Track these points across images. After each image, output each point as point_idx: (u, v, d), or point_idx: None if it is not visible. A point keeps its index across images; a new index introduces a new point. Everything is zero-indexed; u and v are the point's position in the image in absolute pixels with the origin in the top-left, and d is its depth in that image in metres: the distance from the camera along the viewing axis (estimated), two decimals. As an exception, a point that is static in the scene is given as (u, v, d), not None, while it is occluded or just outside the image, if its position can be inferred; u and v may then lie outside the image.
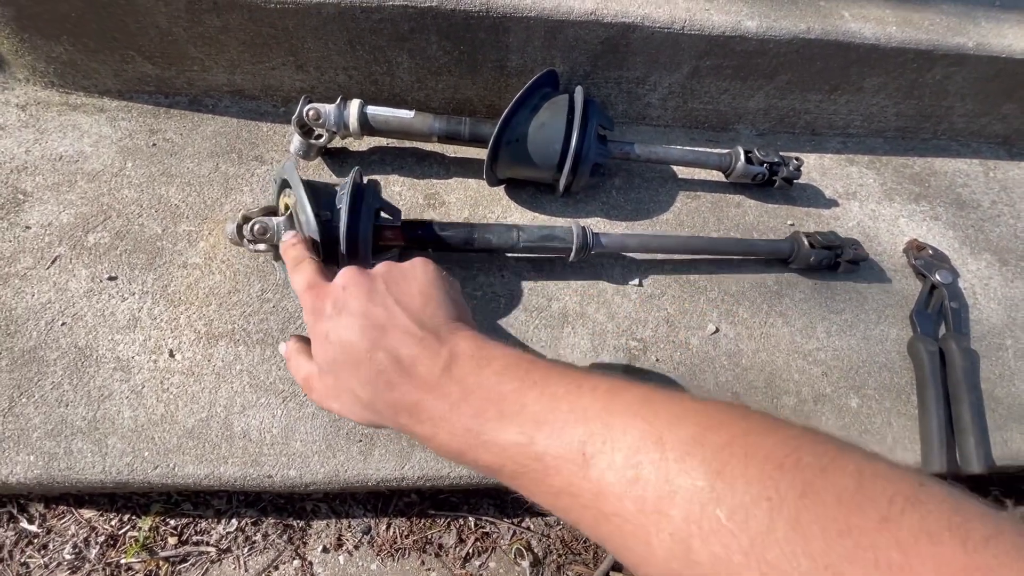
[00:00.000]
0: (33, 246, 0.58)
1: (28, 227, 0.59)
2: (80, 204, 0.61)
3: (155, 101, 0.68)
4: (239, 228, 0.50)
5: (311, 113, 0.61)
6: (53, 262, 0.57)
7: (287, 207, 0.51)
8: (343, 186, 0.51)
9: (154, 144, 0.66)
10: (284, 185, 0.52)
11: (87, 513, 0.61)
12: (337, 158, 0.68)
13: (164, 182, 0.63)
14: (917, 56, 0.67)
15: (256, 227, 0.50)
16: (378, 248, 0.54)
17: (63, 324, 0.54)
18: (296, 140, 0.63)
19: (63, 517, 0.61)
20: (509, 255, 0.63)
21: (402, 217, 0.56)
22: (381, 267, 0.38)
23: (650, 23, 0.62)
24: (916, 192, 0.78)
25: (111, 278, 0.57)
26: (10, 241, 0.58)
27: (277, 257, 0.52)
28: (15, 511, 0.60)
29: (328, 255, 0.49)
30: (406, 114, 0.62)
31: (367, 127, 0.62)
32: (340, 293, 0.35)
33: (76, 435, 0.50)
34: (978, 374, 0.64)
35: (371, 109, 0.62)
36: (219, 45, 0.62)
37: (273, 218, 0.50)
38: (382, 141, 0.69)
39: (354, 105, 0.61)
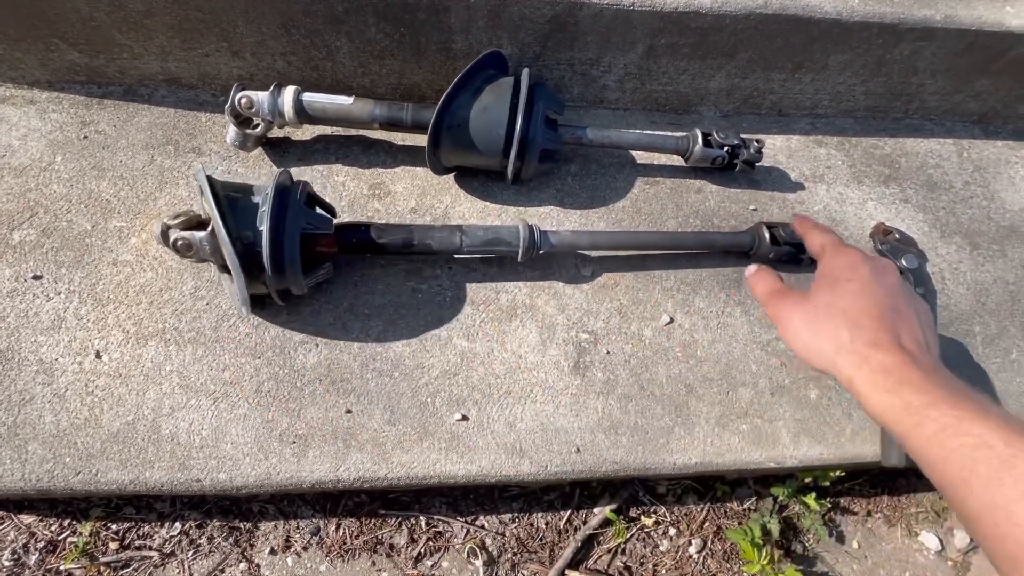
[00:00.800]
0: (-46, 245, 0.55)
1: (-50, 225, 0.56)
2: (5, 200, 0.58)
3: (87, 92, 0.65)
4: (163, 235, 0.48)
5: (244, 101, 0.58)
6: (-25, 262, 0.55)
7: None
8: (264, 198, 0.48)
9: (85, 136, 0.63)
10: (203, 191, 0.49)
11: (26, 518, 0.60)
12: (278, 148, 0.65)
13: (95, 176, 0.61)
14: (882, 30, 0.64)
15: (180, 243, 0.47)
16: (311, 257, 0.51)
17: (-16, 326, 0.52)
18: (232, 131, 0.61)
19: (2, 523, 0.60)
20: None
21: (339, 216, 0.53)
22: (893, 266, 0.45)
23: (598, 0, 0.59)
24: (886, 174, 0.75)
25: (36, 277, 0.55)
26: (-70, 240, 0.55)
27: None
28: (-49, 518, 0.59)
29: (252, 274, 0.47)
30: (344, 100, 0.60)
31: (304, 115, 0.59)
32: (875, 266, 0.43)
33: (-6, 441, 0.48)
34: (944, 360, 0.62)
35: (307, 96, 0.59)
36: (146, 30, 0.59)
37: (196, 234, 0.47)
38: (326, 130, 0.66)
39: (288, 92, 0.58)
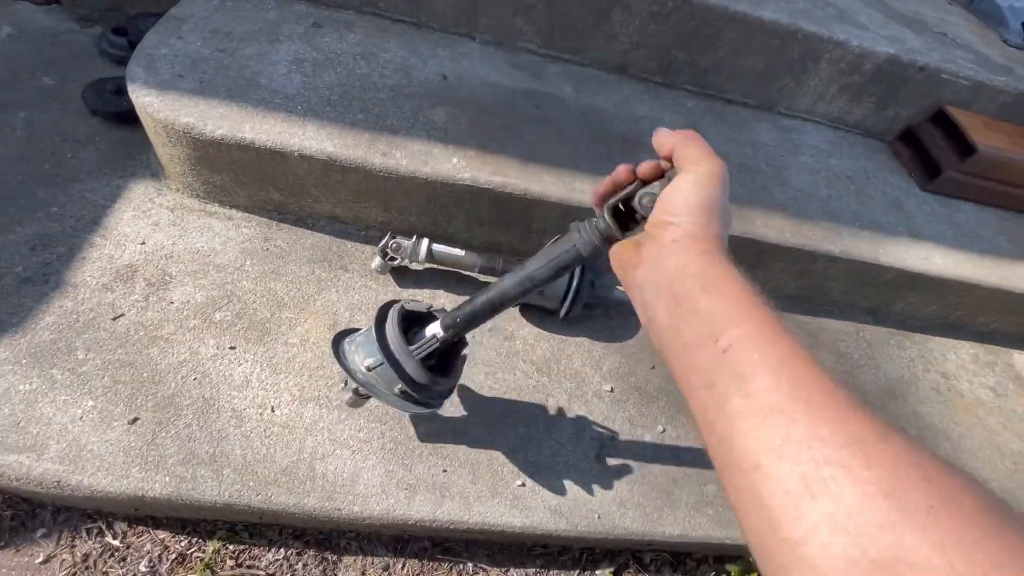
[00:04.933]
0: (175, 317, 0.78)
1: (172, 302, 0.79)
2: (210, 288, 0.82)
3: (269, 216, 0.92)
4: (357, 394, 0.68)
5: (394, 245, 0.86)
6: (190, 331, 0.77)
7: None
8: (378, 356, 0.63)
9: (267, 249, 0.89)
10: None
11: (161, 534, 0.76)
12: (400, 273, 0.92)
13: (273, 278, 0.86)
14: (804, 254, 1.00)
15: (361, 391, 0.67)
16: (444, 364, 0.69)
17: (195, 379, 0.73)
18: (377, 261, 0.88)
19: (141, 535, 0.75)
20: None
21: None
22: None
23: (630, 214, 0.92)
24: (810, 343, 1.08)
25: (231, 348, 0.77)
26: (159, 311, 0.78)
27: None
28: (104, 526, 0.74)
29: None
30: (459, 252, 0.89)
31: (431, 259, 0.88)
32: None
33: (201, 464, 0.67)
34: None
35: (436, 247, 0.88)
36: (333, 190, 0.88)
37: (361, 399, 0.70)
38: (432, 264, 0.94)
39: (425, 243, 0.87)
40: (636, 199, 0.42)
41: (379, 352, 0.59)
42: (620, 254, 0.41)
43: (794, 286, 1.09)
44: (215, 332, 0.78)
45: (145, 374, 0.72)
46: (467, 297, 0.86)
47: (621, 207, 0.44)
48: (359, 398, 0.69)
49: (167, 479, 0.66)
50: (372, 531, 0.80)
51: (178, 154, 0.83)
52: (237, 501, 0.66)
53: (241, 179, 0.86)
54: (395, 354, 0.60)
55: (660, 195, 0.38)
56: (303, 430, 0.73)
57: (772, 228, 0.99)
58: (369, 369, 0.61)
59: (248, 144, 0.80)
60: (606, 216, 0.44)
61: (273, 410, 0.74)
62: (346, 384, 0.70)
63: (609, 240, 0.44)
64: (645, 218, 0.40)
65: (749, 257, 1.01)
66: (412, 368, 0.60)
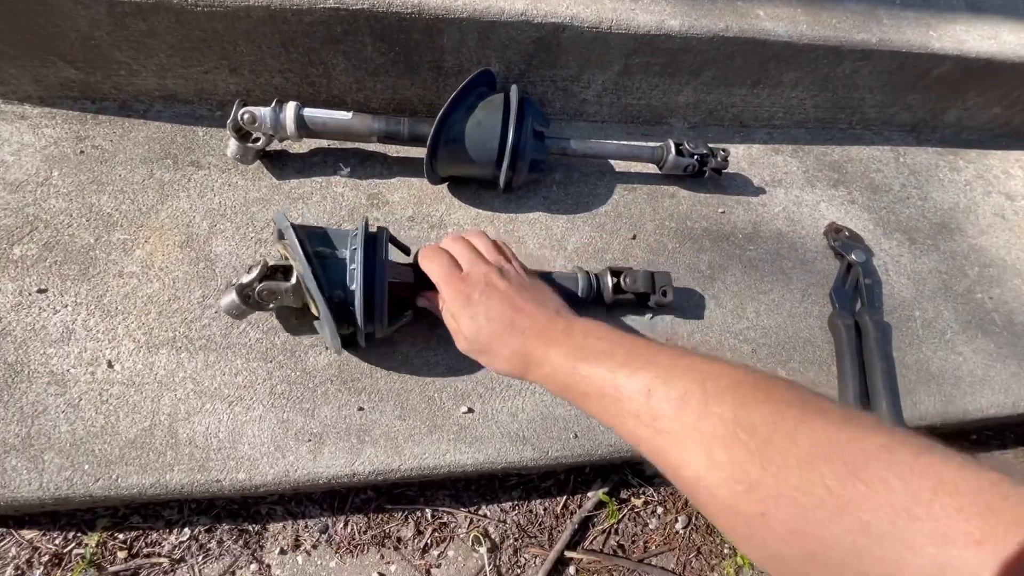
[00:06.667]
0: (-47, 261, 0.55)
1: (-54, 242, 0.56)
2: (2, 216, 0.59)
3: (81, 107, 0.66)
4: (244, 297, 0.50)
5: (246, 117, 0.60)
6: (-24, 277, 0.55)
7: (285, 257, 0.52)
8: (352, 255, 0.49)
9: (82, 151, 0.64)
10: (281, 235, 0.51)
11: (28, 534, 0.59)
12: (277, 161, 0.67)
13: (95, 190, 0.62)
14: (827, 52, 0.73)
15: (264, 293, 0.50)
16: (393, 302, 0.52)
17: (-10, 340, 0.52)
18: (232, 144, 0.63)
19: (2, 540, 0.59)
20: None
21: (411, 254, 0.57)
22: (511, 269, 0.51)
23: (579, 23, 0.64)
24: (835, 178, 0.84)
25: (41, 291, 0.56)
26: (-73, 257, 0.55)
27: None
28: (-52, 537, 0.58)
29: (341, 325, 0.50)
30: (344, 115, 0.63)
31: (305, 129, 0.62)
32: (484, 285, 0.48)
33: (9, 453, 0.48)
34: (890, 344, 0.70)
35: (308, 111, 0.62)
36: (146, 49, 0.61)
37: (282, 284, 0.50)
38: (323, 142, 0.69)
39: (290, 107, 0.61)
40: None
41: (360, 245, 0.49)
42: None
43: (812, 104, 0.82)
44: (15, 273, 0.56)
45: (-85, 344, 0.51)
46: (375, 181, 0.68)
47: None
48: (244, 307, 0.51)
49: (-38, 480, 0.47)
50: (293, 492, 0.63)
51: None
52: (70, 493, 0.48)
53: (4, 51, 0.59)
54: (378, 259, 0.50)
55: None
56: (156, 385, 0.53)
57: (782, 20, 0.71)
58: (327, 258, 0.50)
59: (-23, -14, 0.52)
60: None
61: (110, 365, 0.53)
62: (230, 284, 0.51)
63: None
64: None
65: (751, 68, 0.74)
66: (380, 285, 0.50)
